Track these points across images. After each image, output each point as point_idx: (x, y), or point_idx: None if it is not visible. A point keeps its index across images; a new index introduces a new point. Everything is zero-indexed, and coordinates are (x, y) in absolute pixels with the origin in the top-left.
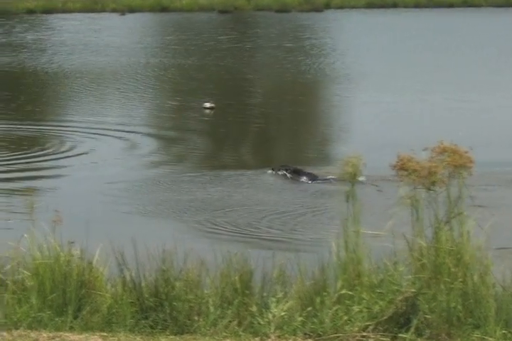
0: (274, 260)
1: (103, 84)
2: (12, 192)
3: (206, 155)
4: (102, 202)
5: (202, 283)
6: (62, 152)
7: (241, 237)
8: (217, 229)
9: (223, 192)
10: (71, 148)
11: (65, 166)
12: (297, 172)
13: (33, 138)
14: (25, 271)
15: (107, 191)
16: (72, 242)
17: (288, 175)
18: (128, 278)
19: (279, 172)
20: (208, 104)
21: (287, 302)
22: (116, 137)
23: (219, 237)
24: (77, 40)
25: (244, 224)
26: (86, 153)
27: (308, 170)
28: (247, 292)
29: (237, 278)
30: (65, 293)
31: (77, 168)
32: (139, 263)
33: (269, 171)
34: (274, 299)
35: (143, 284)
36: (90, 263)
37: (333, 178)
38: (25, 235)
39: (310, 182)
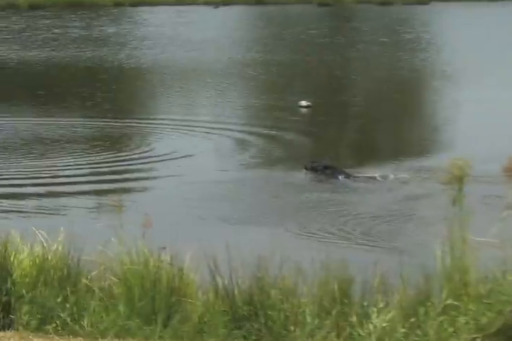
0: (375, 267)
1: (190, 80)
2: (99, 194)
3: (303, 157)
4: (193, 205)
5: (299, 292)
6: (151, 152)
7: (339, 243)
8: (314, 234)
9: (320, 194)
10: (160, 148)
11: (154, 167)
12: (331, 170)
13: (119, 137)
14: (112, 277)
15: (198, 193)
16: (164, 247)
17: (325, 171)
18: (220, 285)
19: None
20: (304, 103)
21: (389, 312)
22: (207, 137)
23: (316, 243)
24: (161, 33)
25: (340, 228)
26: (175, 154)
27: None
28: (346, 301)
29: (335, 286)
30: (154, 300)
31: (167, 169)
32: (232, 269)
33: (305, 170)
34: (375, 309)
35: (236, 292)
36: (181, 269)
37: (379, 176)
38: (113, 239)
39: (347, 179)
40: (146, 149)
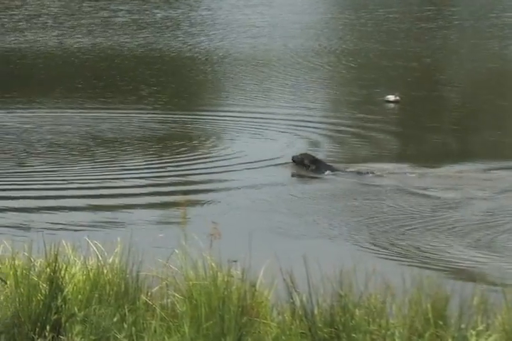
0: (474, 284)
1: (258, 71)
2: (161, 201)
3: (390, 157)
4: (267, 213)
5: (387, 311)
6: (219, 153)
7: (431, 256)
8: (402, 246)
9: (410, 201)
10: (229, 149)
11: (223, 171)
12: (319, 164)
13: (182, 135)
14: (176, 294)
15: (272, 199)
16: (234, 261)
17: (311, 166)
18: (298, 303)
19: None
20: (391, 97)
21: (490, 335)
22: (284, 133)
23: (405, 256)
24: (220, 18)
25: (434, 240)
26: (247, 156)
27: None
28: (440, 323)
29: (429, 305)
30: (223, 320)
31: (237, 171)
32: (311, 286)
33: (293, 162)
34: (473, 332)
35: (316, 311)
36: (253, 285)
37: (371, 172)
38: (177, 251)
39: (334, 174)
40: (214, 149)
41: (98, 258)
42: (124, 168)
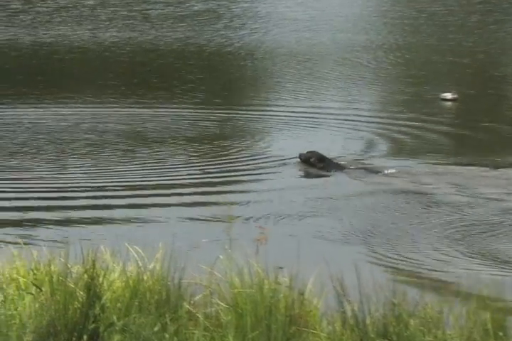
0: None
1: (303, 66)
2: (205, 203)
3: (451, 161)
4: (315, 217)
5: (443, 322)
6: (265, 153)
7: (492, 264)
8: (459, 251)
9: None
10: (276, 148)
11: (271, 170)
12: (326, 162)
13: (226, 133)
14: (220, 302)
15: (324, 202)
16: (281, 267)
17: (318, 165)
18: (349, 313)
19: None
20: (448, 95)
21: None
22: (335, 133)
23: (464, 264)
24: (260, 11)
25: (498, 249)
26: (296, 153)
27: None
28: (501, 334)
29: (488, 316)
30: (269, 330)
31: (286, 172)
32: (363, 294)
33: (300, 160)
34: None
35: (368, 321)
36: (302, 293)
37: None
38: (221, 257)
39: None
40: (261, 149)
41: (138, 264)
42: (166, 168)
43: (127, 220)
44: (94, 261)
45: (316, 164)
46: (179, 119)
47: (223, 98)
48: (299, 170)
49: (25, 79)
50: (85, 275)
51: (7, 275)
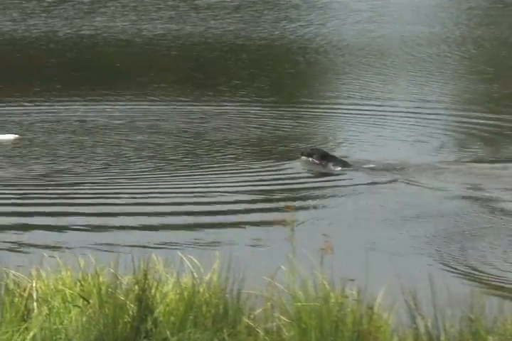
0: None
1: (366, 60)
2: (264, 209)
3: None
4: (387, 224)
5: None
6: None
7: None
8: None
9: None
10: (339, 148)
11: (334, 174)
12: (329, 159)
13: (308, 133)
14: (282, 317)
15: (392, 208)
16: (352, 280)
17: (317, 161)
18: (422, 329)
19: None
20: None
21: None
22: (406, 133)
23: None
24: (318, 2)
25: None
26: (362, 156)
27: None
28: None
29: None
30: None
31: (351, 175)
32: (437, 308)
33: (303, 157)
34: None
35: (442, 338)
36: (371, 307)
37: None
38: (283, 267)
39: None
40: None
41: (193, 275)
42: (217, 171)
43: (181, 228)
44: (145, 272)
45: (317, 161)
46: (243, 117)
47: (276, 95)
48: (361, 175)
49: (62, 74)
50: (136, 287)
51: (52, 287)
